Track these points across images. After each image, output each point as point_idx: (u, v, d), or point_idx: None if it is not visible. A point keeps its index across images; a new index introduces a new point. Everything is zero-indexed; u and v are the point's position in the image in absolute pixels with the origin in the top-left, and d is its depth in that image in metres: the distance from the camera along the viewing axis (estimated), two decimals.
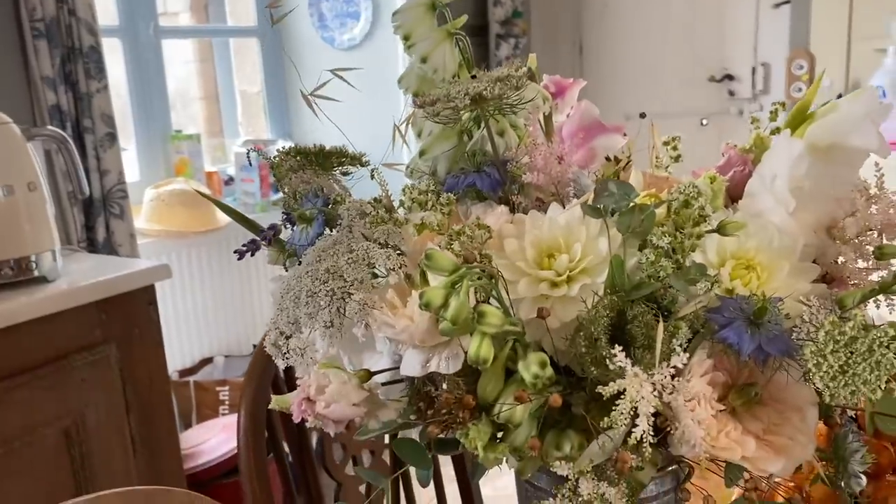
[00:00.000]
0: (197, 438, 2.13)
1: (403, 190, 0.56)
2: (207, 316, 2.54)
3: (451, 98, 0.53)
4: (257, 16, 2.98)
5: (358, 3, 2.88)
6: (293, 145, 0.60)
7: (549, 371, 0.46)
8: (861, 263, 0.56)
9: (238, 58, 3.23)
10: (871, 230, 0.55)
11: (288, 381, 1.00)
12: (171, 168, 2.66)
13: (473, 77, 0.59)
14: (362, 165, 0.58)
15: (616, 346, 0.44)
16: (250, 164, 2.71)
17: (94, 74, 1.84)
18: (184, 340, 2.47)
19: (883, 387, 0.43)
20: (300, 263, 0.53)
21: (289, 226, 0.59)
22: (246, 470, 0.92)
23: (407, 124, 0.61)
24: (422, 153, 0.59)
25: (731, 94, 3.04)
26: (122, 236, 1.89)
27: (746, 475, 0.50)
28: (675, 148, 0.63)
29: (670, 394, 0.45)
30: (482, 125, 0.59)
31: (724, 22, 3.02)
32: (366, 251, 0.51)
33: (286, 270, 0.58)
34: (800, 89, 2.86)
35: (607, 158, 0.61)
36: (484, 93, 0.53)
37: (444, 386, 0.49)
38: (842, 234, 0.56)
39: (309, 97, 0.59)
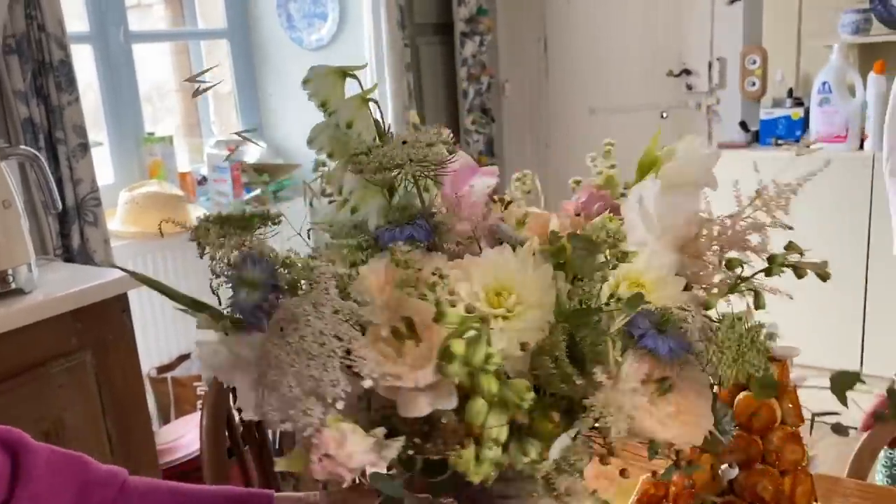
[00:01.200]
0: (175, 433, 2.22)
1: (331, 245, 0.63)
2: (183, 313, 2.62)
3: (389, 162, 0.61)
4: (226, 18, 3.03)
5: (325, 3, 2.94)
6: (213, 214, 0.65)
7: (533, 393, 0.55)
8: (716, 274, 0.67)
9: (209, 58, 3.29)
10: (716, 246, 0.67)
11: None
12: (145, 170, 2.73)
13: (404, 143, 0.65)
14: (276, 224, 0.65)
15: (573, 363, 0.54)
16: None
17: (64, 87, 1.91)
18: (161, 338, 2.55)
19: (765, 365, 0.56)
20: (257, 330, 0.56)
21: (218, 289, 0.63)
22: (208, 466, 1.01)
23: (321, 181, 0.69)
24: (353, 210, 0.66)
25: (689, 87, 3.14)
26: (97, 243, 1.97)
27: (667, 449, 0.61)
28: (524, 184, 0.72)
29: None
30: (407, 184, 0.65)
31: (681, 18, 3.11)
32: (352, 310, 0.54)
33: (225, 335, 0.60)
34: (753, 83, 2.97)
35: (493, 199, 0.70)
36: (419, 157, 0.61)
37: (443, 420, 0.56)
38: (694, 251, 0.67)
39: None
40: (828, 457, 1.05)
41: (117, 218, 2.46)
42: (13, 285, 1.42)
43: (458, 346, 0.51)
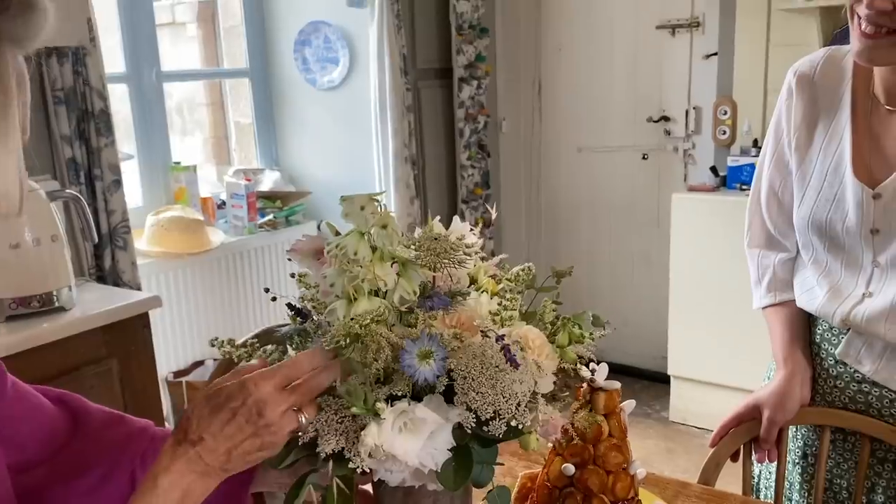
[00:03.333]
0: None
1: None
2: (199, 324, 2.95)
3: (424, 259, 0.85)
4: (248, 59, 3.37)
5: (337, 50, 3.27)
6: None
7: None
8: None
9: (233, 93, 3.64)
10: None
11: None
12: (171, 195, 3.06)
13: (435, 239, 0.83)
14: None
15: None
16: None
17: (103, 132, 2.24)
18: (178, 345, 2.87)
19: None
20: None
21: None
22: None
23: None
24: (402, 297, 0.80)
25: (668, 132, 3.42)
26: (125, 265, 2.29)
27: None
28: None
29: None
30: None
31: (662, 69, 3.40)
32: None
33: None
34: (724, 132, 3.24)
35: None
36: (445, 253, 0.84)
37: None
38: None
39: None
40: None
41: (144, 238, 2.79)
42: (56, 304, 1.75)
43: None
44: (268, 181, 3.38)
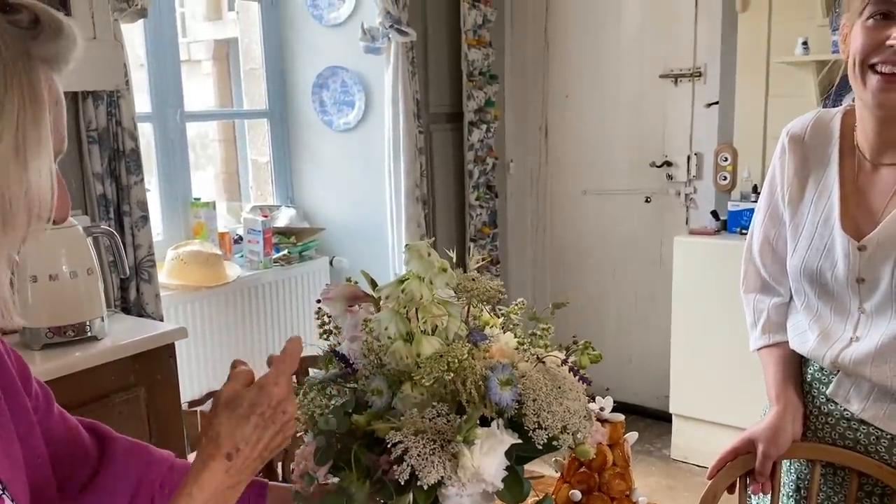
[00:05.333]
0: None
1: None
2: (215, 355, 3.03)
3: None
4: (267, 100, 3.51)
5: (353, 94, 3.40)
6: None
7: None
8: None
9: (251, 132, 3.77)
10: None
11: None
12: (190, 230, 3.17)
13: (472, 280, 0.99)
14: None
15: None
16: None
17: (133, 171, 2.36)
18: (194, 376, 2.95)
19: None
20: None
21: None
22: None
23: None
24: (456, 334, 0.92)
25: (670, 177, 3.54)
26: (149, 297, 2.39)
27: None
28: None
29: None
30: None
31: (665, 116, 3.52)
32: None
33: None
34: (725, 178, 3.36)
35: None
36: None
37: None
38: None
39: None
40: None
41: (164, 272, 2.88)
42: (89, 333, 1.85)
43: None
44: (283, 218, 3.49)
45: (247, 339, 3.12)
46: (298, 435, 0.99)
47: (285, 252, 3.32)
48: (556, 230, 3.91)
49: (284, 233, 3.41)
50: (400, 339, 0.93)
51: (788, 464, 1.41)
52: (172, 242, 3.02)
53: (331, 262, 3.49)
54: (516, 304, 1.07)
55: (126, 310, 2.35)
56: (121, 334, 1.91)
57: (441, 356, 0.85)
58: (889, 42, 1.13)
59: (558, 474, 1.17)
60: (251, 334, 3.14)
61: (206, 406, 3.00)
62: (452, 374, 0.85)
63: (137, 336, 1.88)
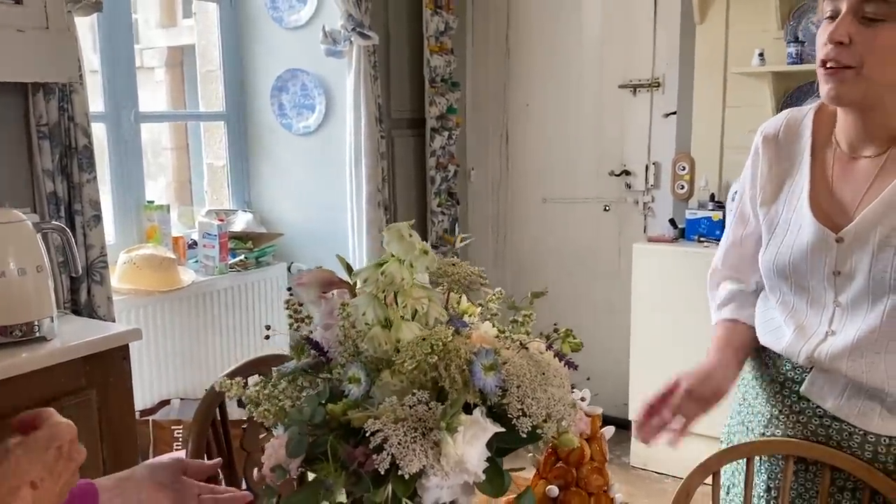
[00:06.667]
0: None
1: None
2: (167, 363, 2.94)
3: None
4: (225, 103, 3.44)
5: (314, 97, 3.36)
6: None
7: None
8: None
9: (207, 136, 3.69)
10: None
11: (224, 423, 1.43)
12: (143, 234, 3.08)
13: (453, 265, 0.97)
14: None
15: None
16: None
17: (85, 168, 2.28)
18: (146, 384, 2.85)
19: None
20: None
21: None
22: None
23: None
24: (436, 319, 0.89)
25: (629, 186, 3.57)
26: (101, 299, 2.30)
27: None
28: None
29: None
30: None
31: (624, 126, 3.56)
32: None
33: None
34: (682, 186, 3.40)
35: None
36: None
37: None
38: None
39: None
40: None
41: (116, 276, 2.79)
42: (38, 333, 1.76)
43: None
44: (240, 222, 3.42)
45: (201, 346, 3.04)
46: (266, 429, 0.94)
47: (242, 257, 3.25)
48: (517, 237, 3.91)
49: (241, 238, 3.33)
50: (378, 324, 0.90)
51: (759, 463, 1.41)
52: (125, 246, 2.93)
53: (289, 269, 3.42)
54: (494, 294, 1.04)
55: (77, 312, 2.25)
56: (71, 335, 1.82)
57: (424, 339, 0.82)
58: (828, 38, 1.16)
59: (535, 470, 1.14)
60: (205, 341, 3.05)
61: (159, 415, 2.90)
62: (436, 358, 0.81)
63: (90, 336, 1.79)
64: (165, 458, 1.04)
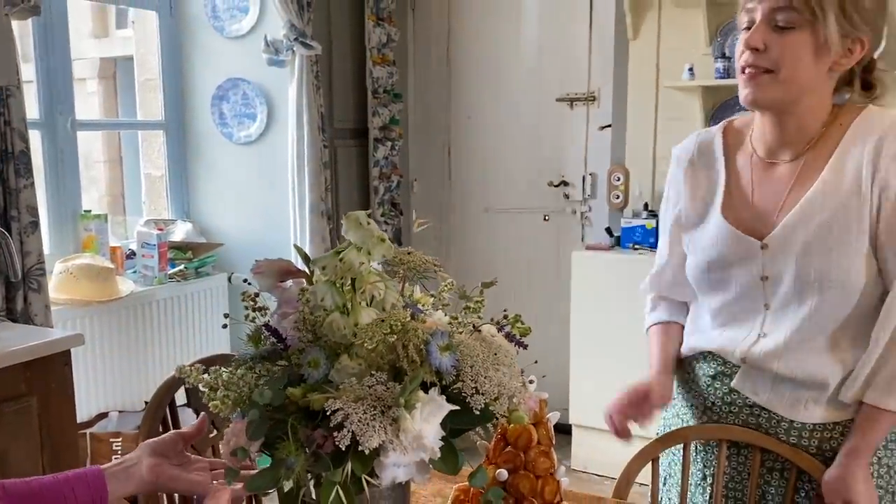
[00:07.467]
0: None
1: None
2: (105, 375, 2.88)
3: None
4: (164, 112, 3.41)
5: (255, 106, 3.36)
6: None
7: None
8: None
9: (145, 144, 3.64)
10: None
11: (174, 425, 1.43)
12: (80, 243, 3.02)
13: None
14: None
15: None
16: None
17: (22, 174, 2.23)
18: (83, 396, 2.78)
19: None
20: None
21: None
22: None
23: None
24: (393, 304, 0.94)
25: (567, 196, 3.67)
26: (39, 307, 2.26)
27: None
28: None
29: None
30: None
31: (562, 138, 3.66)
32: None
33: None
34: (618, 196, 3.51)
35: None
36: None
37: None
38: None
39: None
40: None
41: (52, 285, 2.73)
42: None
43: None
44: (179, 232, 3.38)
45: (140, 357, 2.99)
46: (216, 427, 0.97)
47: (181, 267, 3.21)
48: (459, 247, 3.96)
49: (180, 248, 3.29)
50: (337, 310, 0.93)
51: (695, 453, 1.48)
52: (61, 256, 2.87)
53: (229, 279, 3.39)
54: (445, 284, 1.09)
55: (13, 320, 2.20)
56: (10, 340, 1.78)
57: (383, 321, 0.86)
58: (744, 45, 1.25)
59: (485, 457, 1.18)
60: (145, 352, 3.00)
61: (96, 428, 2.84)
62: (395, 338, 0.85)
63: (30, 342, 1.76)
64: (165, 435, 1.07)
